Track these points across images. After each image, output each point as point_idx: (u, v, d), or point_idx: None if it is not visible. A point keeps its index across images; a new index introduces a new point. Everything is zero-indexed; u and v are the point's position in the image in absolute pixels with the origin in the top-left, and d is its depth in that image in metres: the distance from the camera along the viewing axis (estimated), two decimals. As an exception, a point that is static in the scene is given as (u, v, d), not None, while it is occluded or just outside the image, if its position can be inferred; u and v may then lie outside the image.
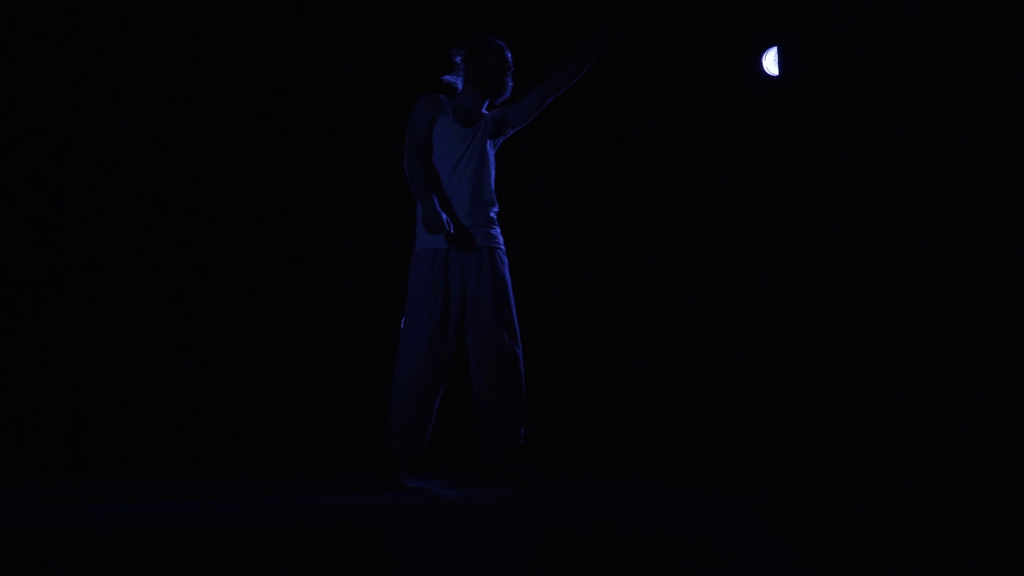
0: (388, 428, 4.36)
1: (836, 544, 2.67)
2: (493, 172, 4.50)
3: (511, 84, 4.50)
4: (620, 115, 6.07)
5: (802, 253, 5.77)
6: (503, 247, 4.45)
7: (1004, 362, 5.23)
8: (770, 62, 5.76)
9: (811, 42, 5.77)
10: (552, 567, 2.32)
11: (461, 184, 4.40)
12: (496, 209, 4.48)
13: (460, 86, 4.53)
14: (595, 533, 2.88)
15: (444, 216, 4.24)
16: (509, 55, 4.51)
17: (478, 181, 4.41)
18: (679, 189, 6.02)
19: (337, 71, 6.01)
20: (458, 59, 4.51)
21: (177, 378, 5.79)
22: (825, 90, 5.77)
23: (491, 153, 4.49)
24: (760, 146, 5.90)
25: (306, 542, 2.61)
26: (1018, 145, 5.37)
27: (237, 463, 5.56)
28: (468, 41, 4.52)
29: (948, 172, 5.52)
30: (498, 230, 4.47)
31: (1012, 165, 5.38)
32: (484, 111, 4.53)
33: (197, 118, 5.89)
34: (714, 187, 5.96)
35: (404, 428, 4.33)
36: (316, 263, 5.98)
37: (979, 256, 5.39)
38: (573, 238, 6.10)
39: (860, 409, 5.51)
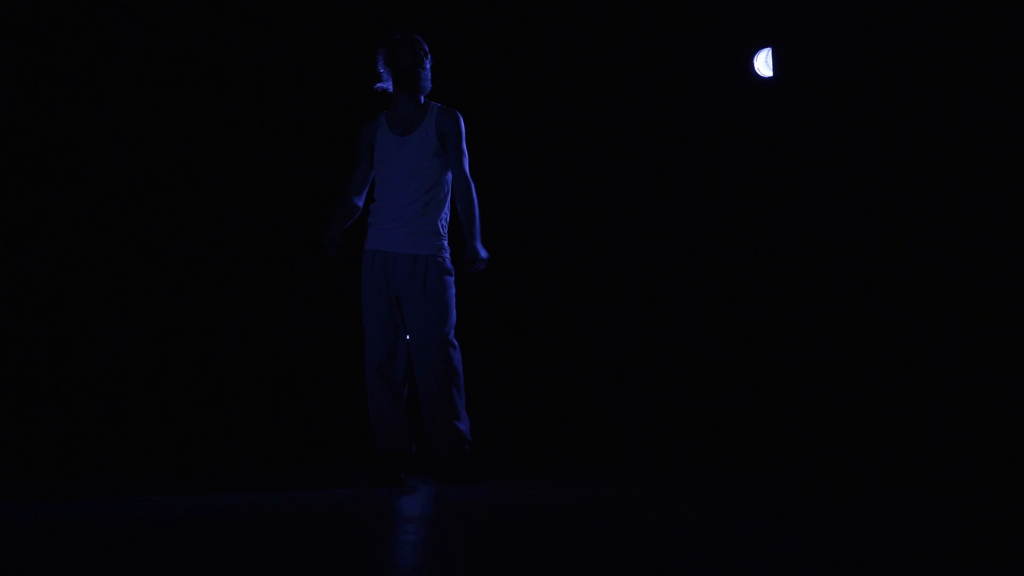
0: (373, 429, 4.44)
1: (845, 540, 2.70)
2: (439, 180, 4.42)
3: (428, 74, 4.44)
4: (615, 116, 6.08)
5: (797, 251, 5.78)
6: (444, 255, 4.40)
7: (1005, 358, 5.27)
8: (762, 63, 5.78)
9: (802, 43, 5.78)
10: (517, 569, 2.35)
11: (393, 192, 4.40)
12: (443, 219, 4.43)
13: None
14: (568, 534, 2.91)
15: (334, 243, 4.49)
16: (420, 46, 4.43)
17: (414, 189, 4.37)
18: (678, 189, 6.00)
19: (337, 70, 6.01)
20: (380, 63, 4.47)
21: (183, 378, 5.80)
22: (818, 91, 5.78)
23: (435, 162, 4.41)
24: (752, 146, 5.90)
25: (277, 541, 2.64)
26: (1014, 144, 5.41)
27: (235, 462, 5.57)
28: (383, 42, 4.46)
29: (943, 171, 5.54)
30: (442, 241, 4.41)
31: (1009, 164, 5.42)
32: (429, 110, 4.42)
33: (192, 117, 5.90)
34: (711, 187, 5.95)
35: (386, 426, 4.39)
36: (315, 261, 5.96)
37: (977, 255, 5.42)
38: (568, 237, 6.08)
39: (856, 405, 5.51)
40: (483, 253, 4.39)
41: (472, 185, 4.43)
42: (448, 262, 4.41)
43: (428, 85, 4.46)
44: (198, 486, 4.33)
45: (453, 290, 4.40)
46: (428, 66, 4.46)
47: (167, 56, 5.87)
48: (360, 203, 4.55)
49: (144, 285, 5.79)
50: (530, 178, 6.10)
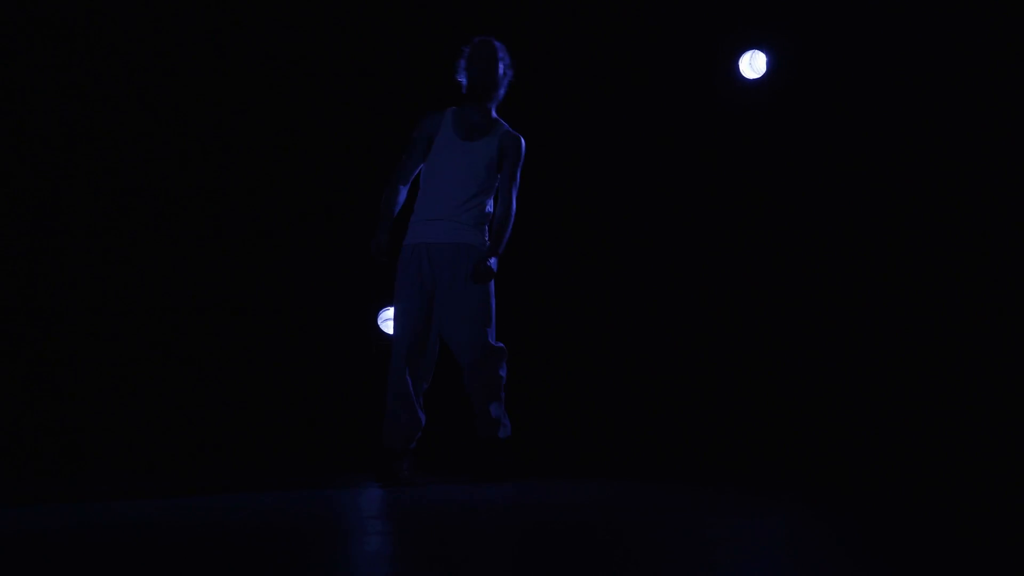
0: (384, 423, 4.48)
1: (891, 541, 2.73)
2: (487, 189, 4.50)
3: (500, 83, 4.50)
4: (610, 116, 6.08)
5: (799, 250, 5.81)
6: (486, 246, 4.47)
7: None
8: (746, 65, 5.79)
9: (792, 44, 5.79)
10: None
11: (443, 190, 4.46)
12: (486, 221, 4.50)
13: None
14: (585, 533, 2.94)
15: (382, 250, 4.48)
16: (494, 55, 4.47)
17: (464, 191, 4.45)
18: (682, 189, 6.01)
19: (337, 69, 6.01)
20: (460, 67, 4.54)
21: (189, 377, 5.84)
22: (807, 91, 5.80)
23: (489, 173, 4.49)
24: (751, 145, 5.92)
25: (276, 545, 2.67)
26: (1009, 143, 5.42)
27: (231, 460, 5.57)
28: (468, 46, 4.53)
29: (940, 170, 5.56)
30: (485, 237, 4.49)
31: (1004, 163, 5.43)
32: (496, 127, 4.52)
33: (191, 119, 5.90)
34: (714, 187, 5.96)
35: (394, 423, 4.44)
36: (314, 259, 5.99)
37: (978, 253, 5.45)
38: (574, 237, 6.07)
39: (867, 404, 5.56)
40: (494, 267, 4.42)
41: (513, 210, 4.51)
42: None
43: (498, 95, 4.53)
44: (196, 487, 4.34)
45: (493, 285, 4.48)
46: (502, 75, 4.51)
47: (168, 55, 5.90)
48: (405, 193, 4.59)
49: (143, 284, 5.81)
50: (535, 180, 6.10)
